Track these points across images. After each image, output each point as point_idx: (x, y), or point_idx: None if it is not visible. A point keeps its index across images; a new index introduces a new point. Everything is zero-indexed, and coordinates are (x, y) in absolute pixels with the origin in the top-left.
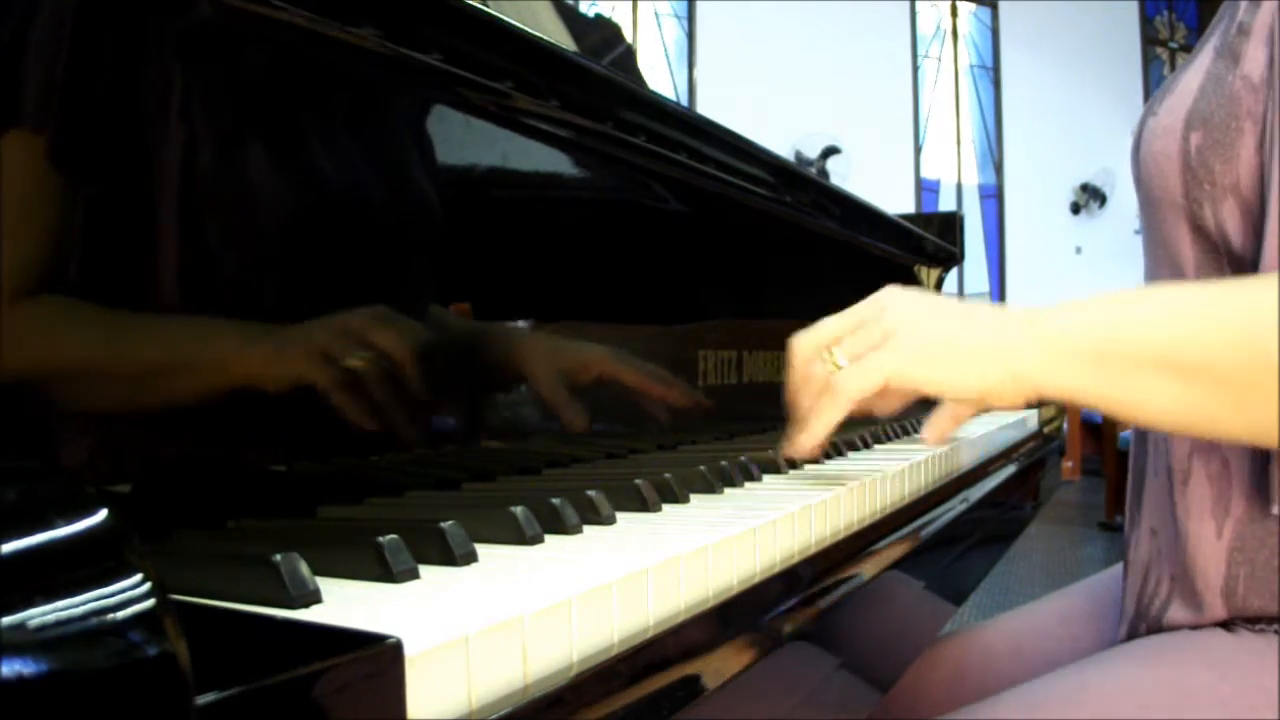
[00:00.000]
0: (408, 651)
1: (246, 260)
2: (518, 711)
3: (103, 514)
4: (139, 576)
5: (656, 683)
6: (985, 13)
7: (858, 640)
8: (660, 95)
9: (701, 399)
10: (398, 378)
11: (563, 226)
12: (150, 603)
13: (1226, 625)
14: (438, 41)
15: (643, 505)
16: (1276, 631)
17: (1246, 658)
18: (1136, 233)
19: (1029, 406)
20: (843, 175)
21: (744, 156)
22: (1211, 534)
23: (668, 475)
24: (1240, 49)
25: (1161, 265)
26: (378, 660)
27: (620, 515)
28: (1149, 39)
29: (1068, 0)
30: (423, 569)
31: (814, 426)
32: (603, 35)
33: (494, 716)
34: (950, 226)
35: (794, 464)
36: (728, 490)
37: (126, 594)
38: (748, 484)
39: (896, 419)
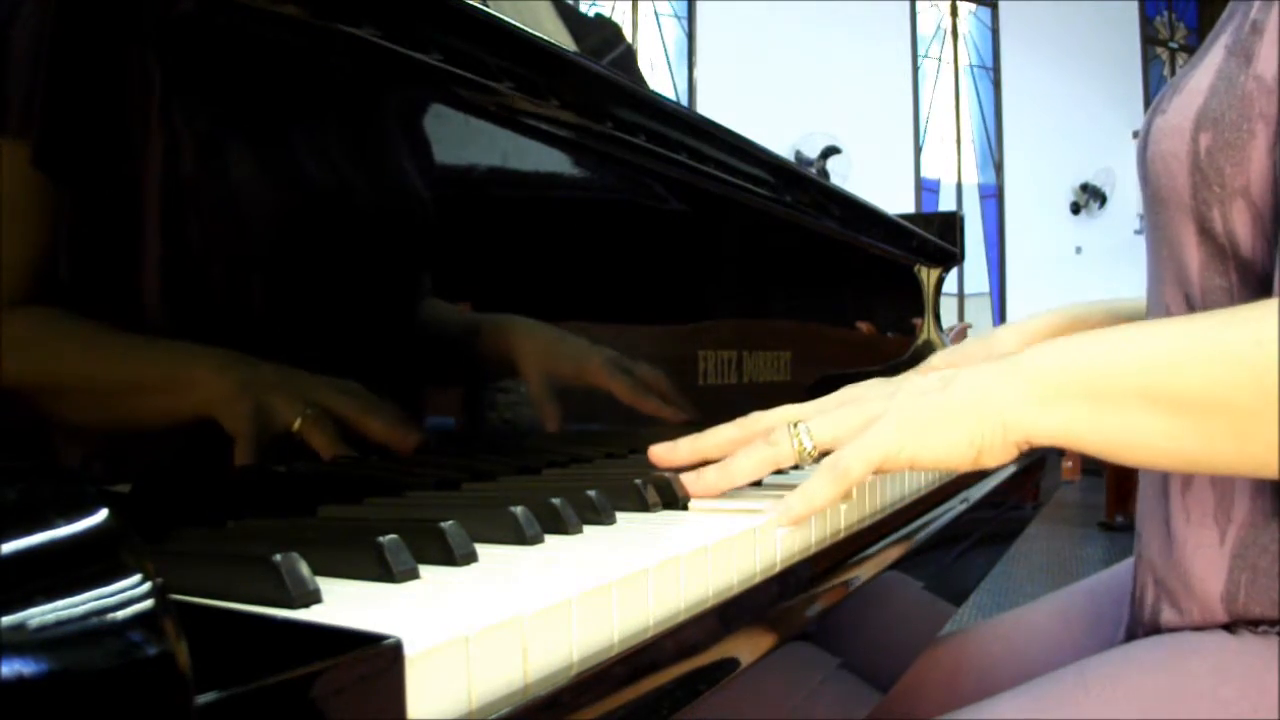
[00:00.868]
0: (408, 651)
1: (245, 261)
2: (518, 711)
3: (102, 514)
4: (139, 576)
5: (656, 683)
6: (985, 13)
7: (858, 640)
8: (660, 95)
9: (692, 413)
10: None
11: (562, 227)
12: (150, 603)
13: (1227, 627)
14: (437, 41)
15: (643, 505)
16: (1278, 633)
17: (1248, 659)
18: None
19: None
20: (843, 175)
21: (744, 156)
22: (1213, 540)
23: (668, 475)
24: (1253, 48)
25: (1165, 266)
26: (377, 660)
27: (620, 515)
28: (1149, 39)
29: (1068, 0)
30: (423, 569)
31: (809, 503)
32: (603, 35)
33: (494, 716)
34: (950, 226)
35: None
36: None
37: (126, 594)
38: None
39: None
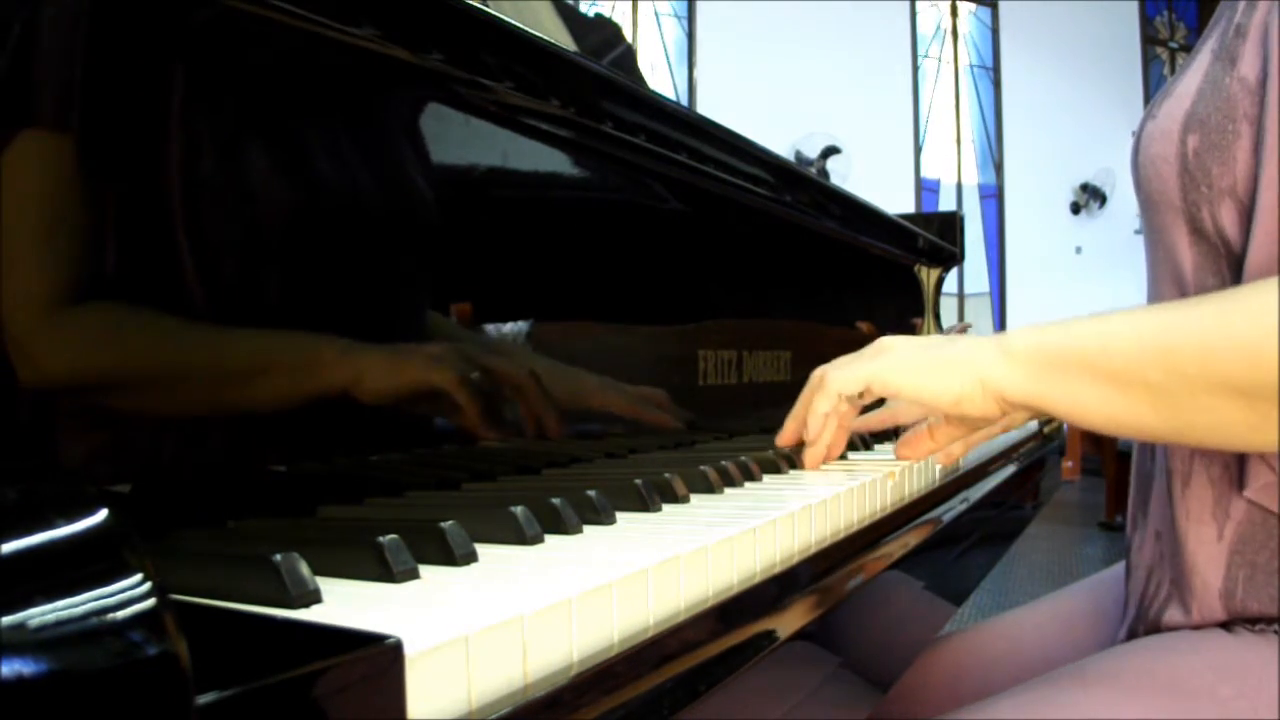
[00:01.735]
0: (408, 651)
1: (248, 261)
2: (518, 711)
3: (103, 514)
4: (139, 576)
5: (656, 682)
6: (985, 13)
7: (858, 640)
8: (660, 95)
9: (692, 413)
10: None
11: (562, 227)
12: (150, 602)
13: (1226, 626)
14: (437, 41)
15: (643, 505)
16: (1276, 632)
17: (1247, 658)
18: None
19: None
20: (843, 175)
21: (744, 156)
22: (1212, 536)
23: (668, 475)
24: (1237, 51)
25: (1161, 267)
26: (378, 660)
27: (620, 515)
28: (1149, 39)
29: (1068, 0)
30: (423, 569)
31: (808, 418)
32: (603, 35)
33: (494, 716)
34: (950, 226)
35: (794, 464)
36: (728, 490)
37: (126, 594)
38: (748, 484)
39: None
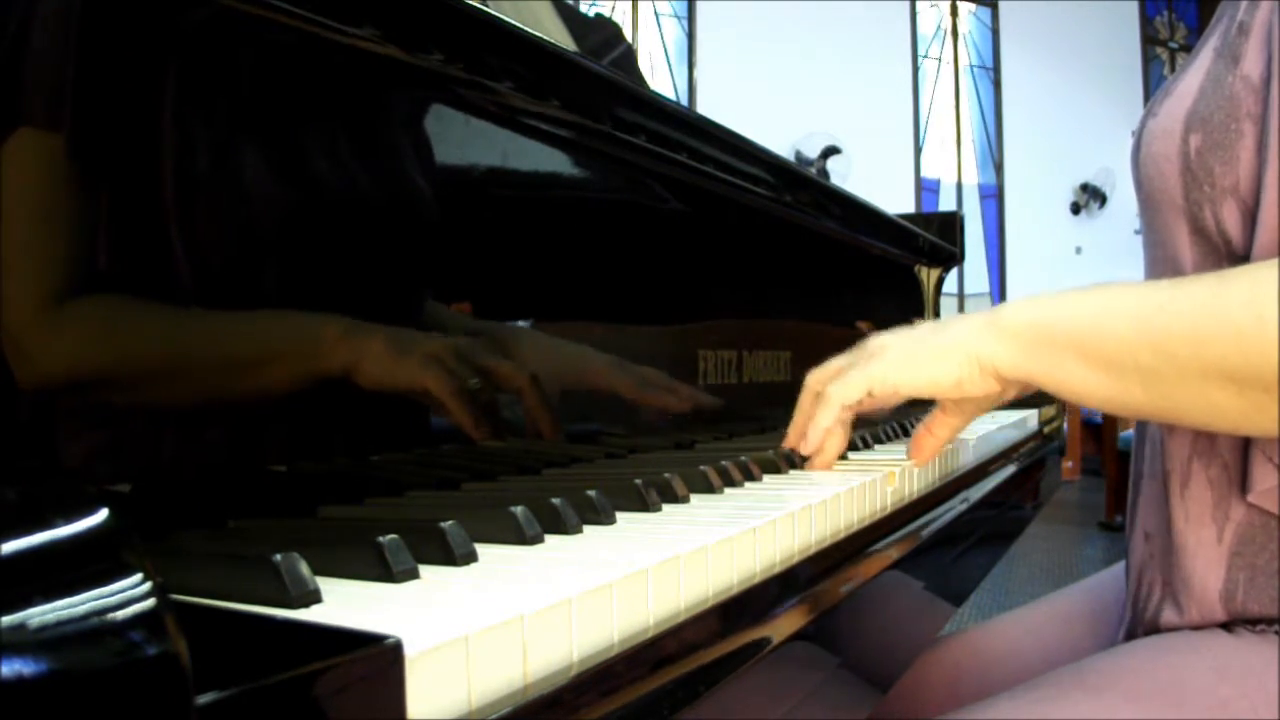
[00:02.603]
0: (408, 651)
1: (247, 259)
2: (518, 711)
3: (103, 514)
4: (139, 576)
5: (656, 682)
6: (985, 13)
7: (858, 640)
8: (660, 95)
9: (703, 399)
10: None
11: (562, 226)
12: (150, 602)
13: (1227, 627)
14: (437, 41)
15: (643, 505)
16: (1277, 633)
17: (1247, 658)
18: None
19: (1004, 405)
20: (843, 175)
21: (744, 156)
22: (1212, 538)
23: (668, 475)
24: (1240, 49)
25: (1161, 266)
26: (377, 660)
27: (620, 515)
28: (1149, 39)
29: (1068, 0)
30: (423, 569)
31: (809, 432)
32: (603, 35)
33: (494, 716)
34: (950, 226)
35: (794, 464)
36: (728, 490)
37: (126, 594)
38: (748, 484)
39: (897, 420)
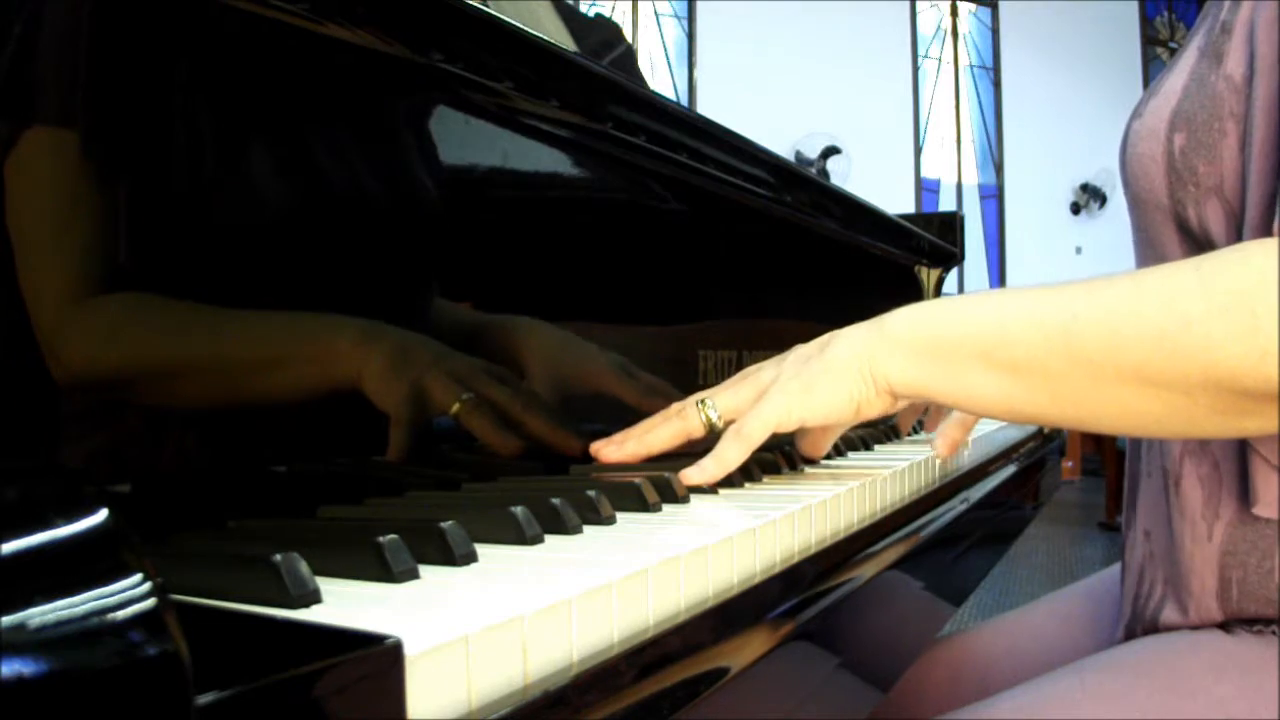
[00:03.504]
0: (408, 651)
1: (249, 260)
2: (518, 711)
3: (103, 514)
4: (139, 576)
5: (656, 683)
6: (985, 13)
7: (858, 640)
8: (660, 95)
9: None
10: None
11: (562, 227)
12: (150, 602)
13: (1224, 626)
14: (438, 41)
15: (643, 505)
16: (1274, 632)
17: (1245, 658)
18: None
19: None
20: (843, 175)
21: (744, 156)
22: (1203, 537)
23: (668, 475)
24: (1223, 48)
25: (1150, 265)
26: (378, 660)
27: (620, 515)
28: (1149, 39)
29: (1068, 0)
30: (423, 569)
31: (720, 464)
32: (603, 35)
33: (494, 716)
34: (950, 226)
35: (793, 464)
36: (728, 490)
37: (126, 594)
38: (748, 484)
39: (896, 419)
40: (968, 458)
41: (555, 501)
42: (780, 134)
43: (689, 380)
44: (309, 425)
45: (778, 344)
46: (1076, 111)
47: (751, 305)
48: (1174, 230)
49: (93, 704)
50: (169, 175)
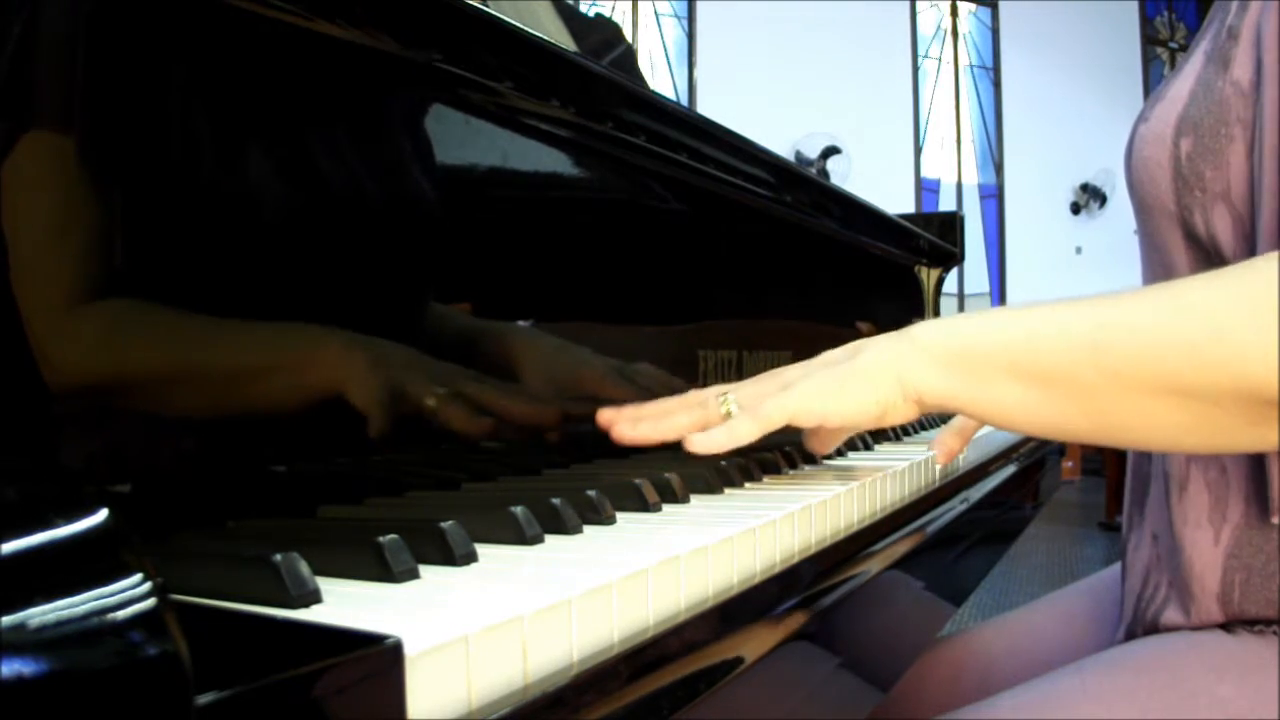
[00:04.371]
0: (408, 651)
1: (246, 261)
2: (518, 711)
3: (102, 514)
4: (139, 576)
5: (657, 682)
6: (985, 13)
7: (858, 640)
8: (660, 95)
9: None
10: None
11: (562, 227)
12: (150, 602)
13: (1225, 626)
14: (437, 41)
15: (643, 505)
16: (1275, 633)
17: (1246, 659)
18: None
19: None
20: (843, 175)
21: (744, 156)
22: (1209, 540)
23: (668, 475)
24: (1230, 53)
25: (1156, 270)
26: (378, 660)
27: (620, 515)
28: (1149, 39)
29: (1068, 0)
30: (423, 569)
31: (725, 435)
32: (603, 35)
33: (494, 716)
34: (950, 226)
35: (794, 464)
36: (728, 490)
37: (126, 594)
38: (748, 484)
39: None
40: (967, 458)
41: (555, 501)
42: (780, 134)
43: (689, 380)
44: (309, 426)
45: (778, 344)
46: (1076, 111)
47: (751, 305)
48: (1180, 236)
49: (93, 704)
50: (162, 179)
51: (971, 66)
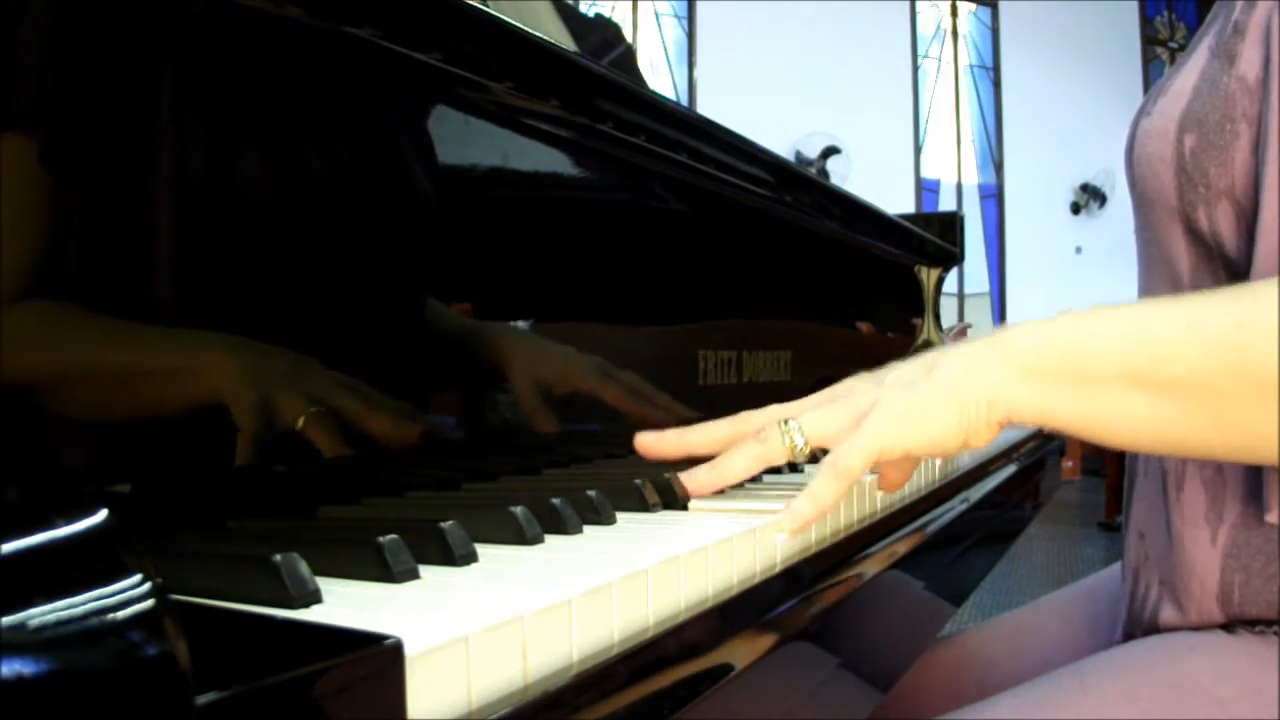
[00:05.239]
0: (408, 651)
1: (242, 262)
2: (518, 711)
3: (102, 514)
4: (138, 576)
5: (656, 683)
6: (985, 13)
7: (858, 640)
8: (660, 95)
9: (681, 411)
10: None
11: (562, 227)
12: (150, 603)
13: (1225, 627)
14: (437, 41)
15: (643, 505)
16: (1276, 633)
17: (1246, 659)
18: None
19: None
20: (843, 175)
21: (744, 156)
22: (1206, 540)
23: (668, 475)
24: (1235, 49)
25: (1156, 267)
26: (378, 660)
27: (620, 515)
28: (1149, 39)
29: (1068, 0)
30: (423, 569)
31: (816, 504)
32: (603, 35)
33: (494, 716)
34: (950, 226)
35: (794, 465)
36: (730, 490)
37: (126, 594)
38: (748, 484)
39: None
40: (967, 458)
41: (555, 501)
42: (780, 134)
43: (689, 380)
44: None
45: (777, 344)
46: (1076, 111)
47: (751, 305)
48: (1181, 231)
49: (92, 704)
50: (156, 180)
51: (971, 66)
